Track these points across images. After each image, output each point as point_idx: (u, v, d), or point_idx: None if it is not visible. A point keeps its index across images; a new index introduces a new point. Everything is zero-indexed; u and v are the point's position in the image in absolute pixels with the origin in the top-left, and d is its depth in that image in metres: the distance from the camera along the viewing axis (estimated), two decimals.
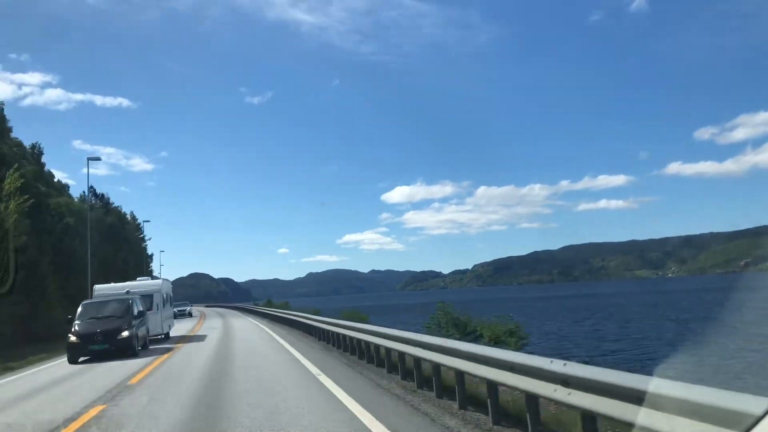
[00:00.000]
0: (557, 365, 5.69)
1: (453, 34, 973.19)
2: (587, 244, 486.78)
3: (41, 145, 51.53)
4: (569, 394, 5.46)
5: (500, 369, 6.89)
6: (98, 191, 70.31)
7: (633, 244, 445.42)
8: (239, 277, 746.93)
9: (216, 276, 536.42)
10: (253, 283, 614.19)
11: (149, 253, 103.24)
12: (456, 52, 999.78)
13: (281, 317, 36.55)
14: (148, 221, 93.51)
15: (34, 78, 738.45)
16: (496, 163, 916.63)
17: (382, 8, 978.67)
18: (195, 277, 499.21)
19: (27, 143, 50.74)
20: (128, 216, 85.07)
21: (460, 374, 8.25)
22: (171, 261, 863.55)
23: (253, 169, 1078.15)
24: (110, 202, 74.26)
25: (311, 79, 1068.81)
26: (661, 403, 4.24)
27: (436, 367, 9.28)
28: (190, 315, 63.06)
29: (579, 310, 66.16)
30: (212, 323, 42.35)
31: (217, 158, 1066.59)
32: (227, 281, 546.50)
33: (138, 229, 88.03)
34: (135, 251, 73.41)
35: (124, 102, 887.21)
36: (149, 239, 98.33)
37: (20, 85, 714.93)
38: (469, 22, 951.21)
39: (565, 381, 5.54)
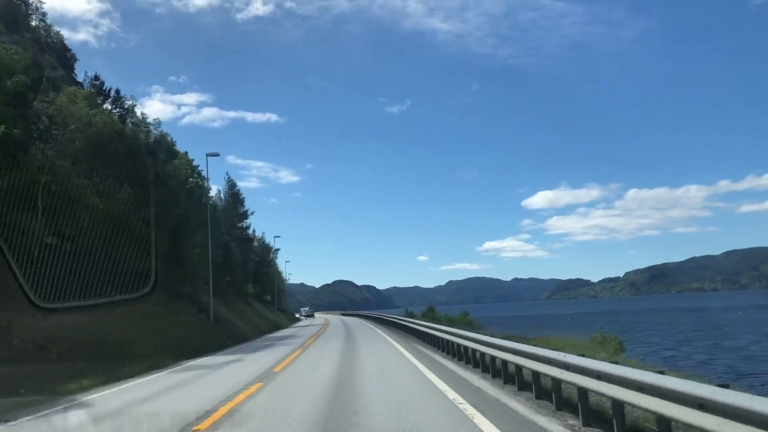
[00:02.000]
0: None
1: (596, 32, 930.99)
2: (755, 248, 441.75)
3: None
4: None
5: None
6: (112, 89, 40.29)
7: None
8: (381, 284, 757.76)
9: (359, 283, 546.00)
10: (395, 291, 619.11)
11: (265, 242, 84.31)
12: (599, 50, 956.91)
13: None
14: (217, 154, 41.38)
15: (191, 98, 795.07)
16: (646, 164, 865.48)
17: (520, 10, 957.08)
18: (339, 284, 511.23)
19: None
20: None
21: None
22: (316, 268, 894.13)
23: (393, 178, 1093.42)
24: (125, 102, 39.30)
25: (449, 86, 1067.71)
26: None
27: None
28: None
29: None
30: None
31: (359, 168, 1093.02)
32: (369, 288, 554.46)
33: (234, 190, 62.74)
34: (191, 215, 39.96)
35: (273, 117, 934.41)
36: (252, 213, 72.45)
37: (179, 105, 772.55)
38: (613, 18, 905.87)
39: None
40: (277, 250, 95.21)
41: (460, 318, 37.69)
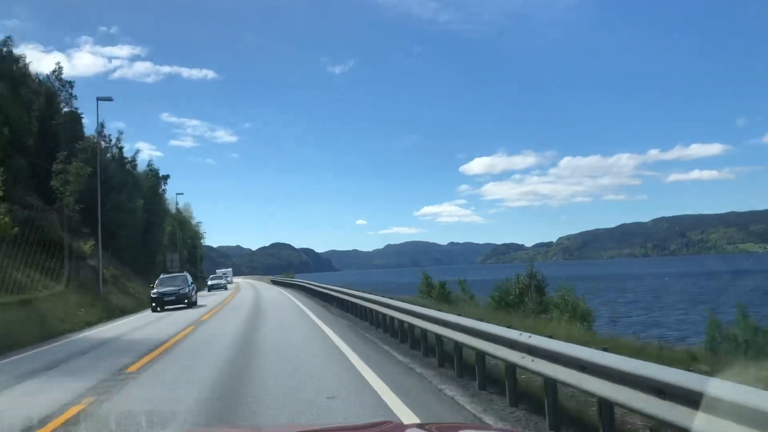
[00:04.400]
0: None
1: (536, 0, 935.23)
2: (682, 215, 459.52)
3: None
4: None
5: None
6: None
7: (734, 216, 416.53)
8: (319, 247, 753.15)
9: (297, 246, 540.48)
10: (333, 254, 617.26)
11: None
12: (539, 19, 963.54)
13: None
14: None
15: (123, 51, 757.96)
16: (581, 133, 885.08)
17: None
18: (277, 246, 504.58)
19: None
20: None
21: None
22: (254, 230, 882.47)
23: (333, 140, 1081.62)
24: None
25: (391, 48, 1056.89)
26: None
27: None
28: None
29: None
30: None
31: (299, 129, 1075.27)
32: (308, 251, 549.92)
33: None
34: None
35: (210, 74, 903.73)
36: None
37: (110, 58, 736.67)
38: None
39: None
40: (166, 176, 62.62)
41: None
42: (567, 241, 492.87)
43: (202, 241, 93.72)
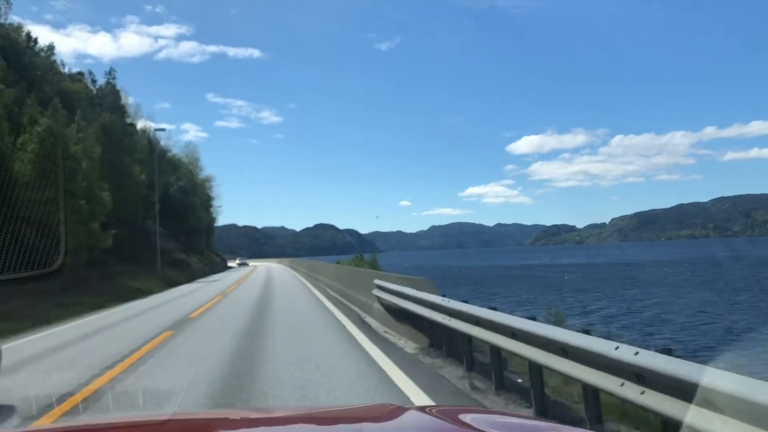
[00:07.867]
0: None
1: None
2: (744, 195, 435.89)
3: None
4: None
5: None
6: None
7: None
8: (363, 228, 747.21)
9: (341, 227, 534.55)
10: (377, 235, 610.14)
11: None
12: None
13: None
14: None
15: (169, 30, 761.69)
16: (634, 109, 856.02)
17: None
18: (321, 227, 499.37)
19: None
20: None
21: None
22: (297, 211, 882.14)
23: (376, 120, 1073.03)
24: None
25: (439, 26, 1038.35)
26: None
27: None
28: None
29: None
30: None
31: (344, 109, 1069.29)
32: (351, 232, 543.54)
33: None
34: None
35: (255, 53, 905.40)
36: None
37: (156, 38, 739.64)
38: None
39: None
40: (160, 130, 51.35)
41: None
42: (621, 222, 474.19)
43: (214, 211, 75.36)
